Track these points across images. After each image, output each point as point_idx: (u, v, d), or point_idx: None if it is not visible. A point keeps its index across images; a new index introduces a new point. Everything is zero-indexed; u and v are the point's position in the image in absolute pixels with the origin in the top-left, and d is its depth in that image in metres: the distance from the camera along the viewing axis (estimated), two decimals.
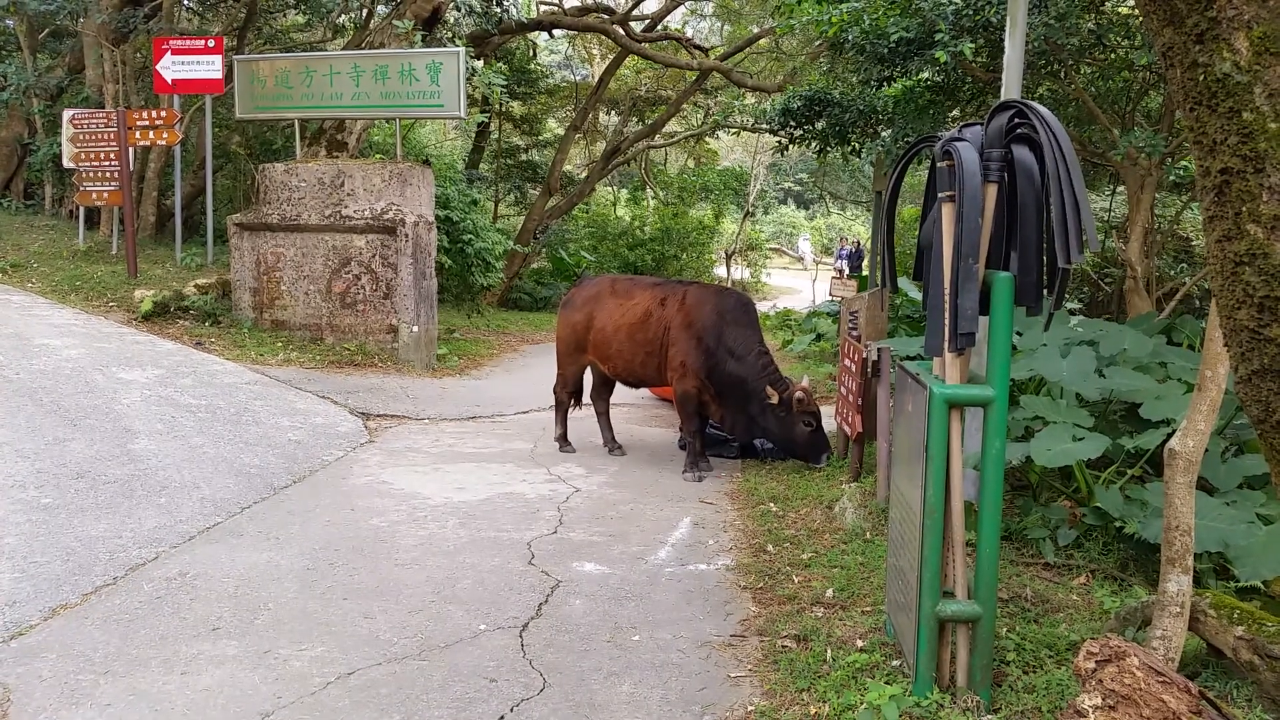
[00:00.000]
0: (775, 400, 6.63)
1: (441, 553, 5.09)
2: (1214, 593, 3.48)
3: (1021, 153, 3.22)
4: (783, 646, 3.89)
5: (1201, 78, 1.24)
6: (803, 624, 4.07)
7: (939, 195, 3.26)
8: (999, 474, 3.19)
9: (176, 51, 12.77)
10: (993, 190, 3.22)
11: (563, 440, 7.63)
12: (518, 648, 3.94)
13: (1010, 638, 3.75)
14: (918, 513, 3.27)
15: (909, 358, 7.38)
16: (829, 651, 3.77)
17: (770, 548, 5.21)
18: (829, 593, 4.45)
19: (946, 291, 3.17)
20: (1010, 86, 4.94)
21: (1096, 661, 2.95)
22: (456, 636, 4.04)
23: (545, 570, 4.85)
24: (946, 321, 3.18)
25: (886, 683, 3.42)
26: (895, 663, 3.62)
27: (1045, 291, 3.31)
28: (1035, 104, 3.15)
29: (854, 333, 6.68)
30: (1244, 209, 1.25)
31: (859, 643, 3.82)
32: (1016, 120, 3.22)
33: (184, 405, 7.71)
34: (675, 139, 26.36)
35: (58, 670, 3.63)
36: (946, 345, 3.20)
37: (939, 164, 3.26)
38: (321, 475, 6.59)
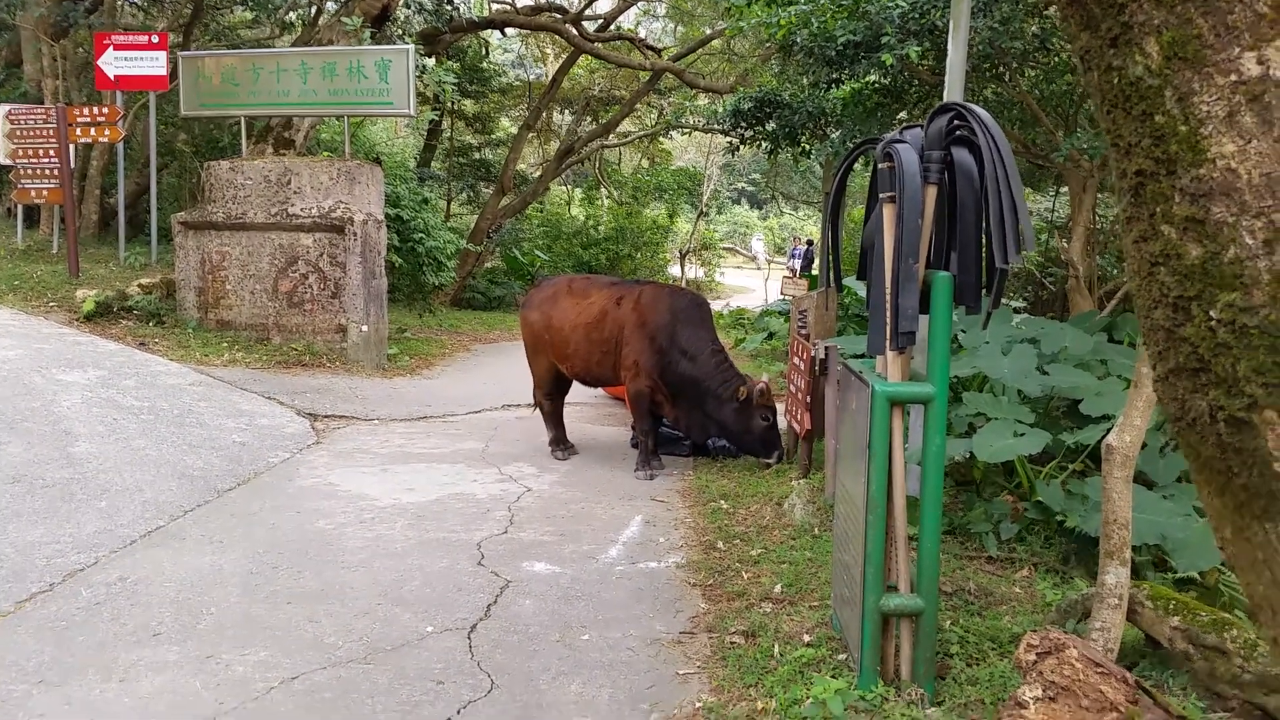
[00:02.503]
0: (744, 396, 6.66)
1: (389, 555, 5.05)
2: (1151, 584, 3.57)
3: (961, 155, 3.28)
4: (731, 642, 3.92)
5: (1116, 81, 1.27)
6: (751, 620, 4.10)
7: (880, 196, 3.31)
8: (939, 470, 3.25)
9: (119, 47, 12.51)
10: (932, 191, 3.27)
11: (555, 445, 7.44)
12: (465, 649, 3.92)
13: (954, 630, 3.81)
14: (861, 508, 3.31)
15: (855, 356, 7.48)
16: (776, 646, 3.80)
17: (720, 544, 5.24)
18: (777, 588, 4.48)
19: (888, 291, 3.22)
20: (953, 89, 5.03)
21: (1037, 654, 3.01)
22: (403, 639, 4.00)
23: (495, 571, 4.83)
24: (888, 320, 3.23)
25: (832, 676, 3.46)
26: (841, 656, 3.66)
27: (984, 291, 3.38)
28: (974, 107, 3.21)
29: (803, 331, 6.73)
30: (1158, 210, 1.28)
31: (806, 637, 3.86)
32: (956, 123, 3.28)
33: (126, 407, 7.55)
34: (629, 139, 26.39)
35: None
36: (888, 344, 3.25)
37: (880, 165, 3.30)
38: (267, 477, 6.49)
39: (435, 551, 5.11)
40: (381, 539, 5.31)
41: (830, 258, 3.94)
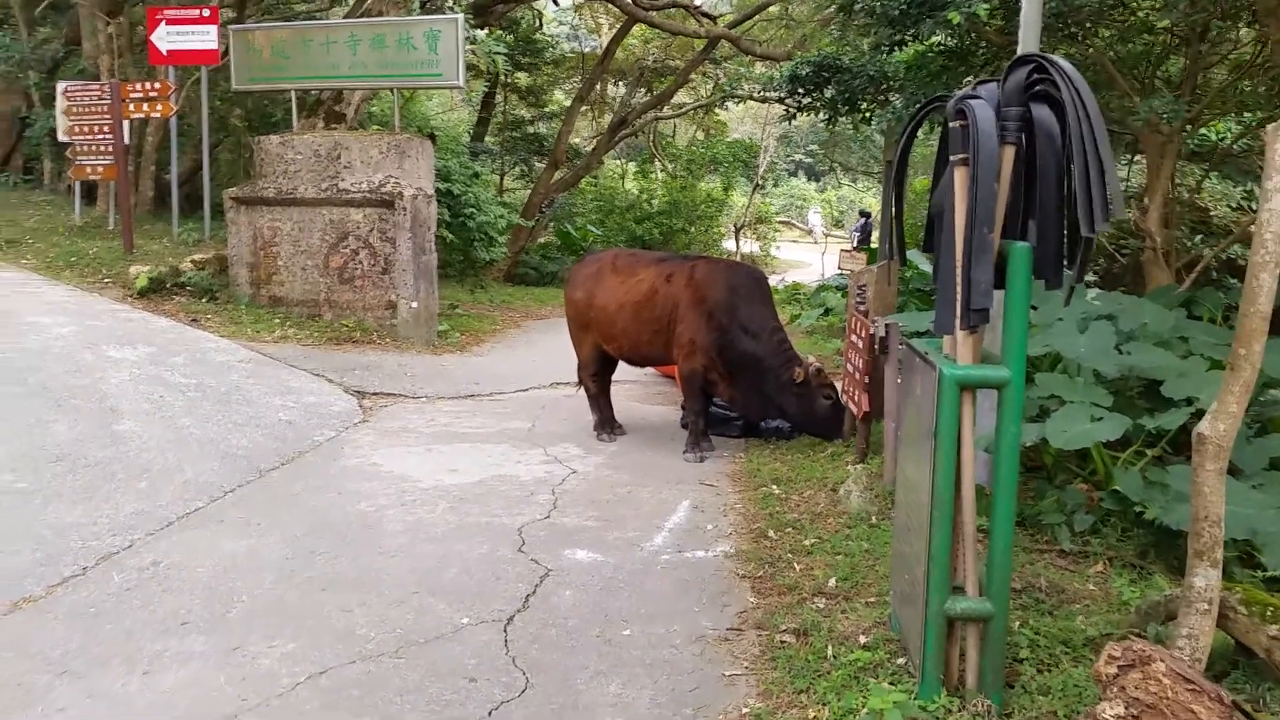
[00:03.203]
0: (801, 379, 6.38)
1: (428, 539, 4.88)
2: (1245, 587, 3.23)
3: (1041, 112, 2.95)
4: (781, 642, 3.67)
5: None
6: (803, 617, 3.84)
7: (951, 159, 2.99)
8: (1014, 461, 2.94)
9: (171, 22, 12.48)
10: (1010, 152, 2.95)
11: (601, 428, 7.18)
12: (501, 644, 3.72)
13: (1023, 633, 3.51)
14: (926, 502, 3.03)
15: (918, 334, 7.12)
16: (830, 648, 3.54)
17: (771, 533, 4.98)
18: (831, 582, 4.22)
19: (959, 264, 2.91)
20: (1027, 47, 4.64)
21: (1119, 666, 2.72)
22: (437, 632, 3.83)
23: (535, 558, 4.64)
24: (959, 296, 2.92)
25: (890, 684, 3.20)
26: (900, 661, 3.39)
27: (1065, 263, 3.05)
28: (1057, 58, 2.88)
29: (861, 307, 6.40)
30: None
31: (862, 638, 3.59)
32: (1036, 76, 2.95)
33: (173, 384, 7.51)
34: (683, 110, 25.92)
35: (12, 670, 3.44)
36: (958, 322, 2.94)
37: (951, 124, 2.99)
38: (311, 457, 6.39)
39: (476, 537, 4.93)
40: (422, 523, 5.15)
41: (893, 228, 3.62)
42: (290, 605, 4.09)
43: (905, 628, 3.38)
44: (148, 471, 5.73)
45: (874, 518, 5.02)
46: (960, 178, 2.96)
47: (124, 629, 3.81)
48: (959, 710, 2.99)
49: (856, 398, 5.98)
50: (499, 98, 22.18)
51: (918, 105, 8.62)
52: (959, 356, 3.01)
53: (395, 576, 4.40)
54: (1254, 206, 12.03)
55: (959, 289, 2.92)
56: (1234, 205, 12.29)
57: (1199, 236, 11.58)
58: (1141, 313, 5.43)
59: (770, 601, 4.09)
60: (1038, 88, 2.97)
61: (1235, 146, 10.07)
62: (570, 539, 4.94)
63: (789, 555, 4.62)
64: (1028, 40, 4.66)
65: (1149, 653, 2.68)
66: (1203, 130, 8.97)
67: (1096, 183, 2.73)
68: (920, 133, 10.95)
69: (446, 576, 4.40)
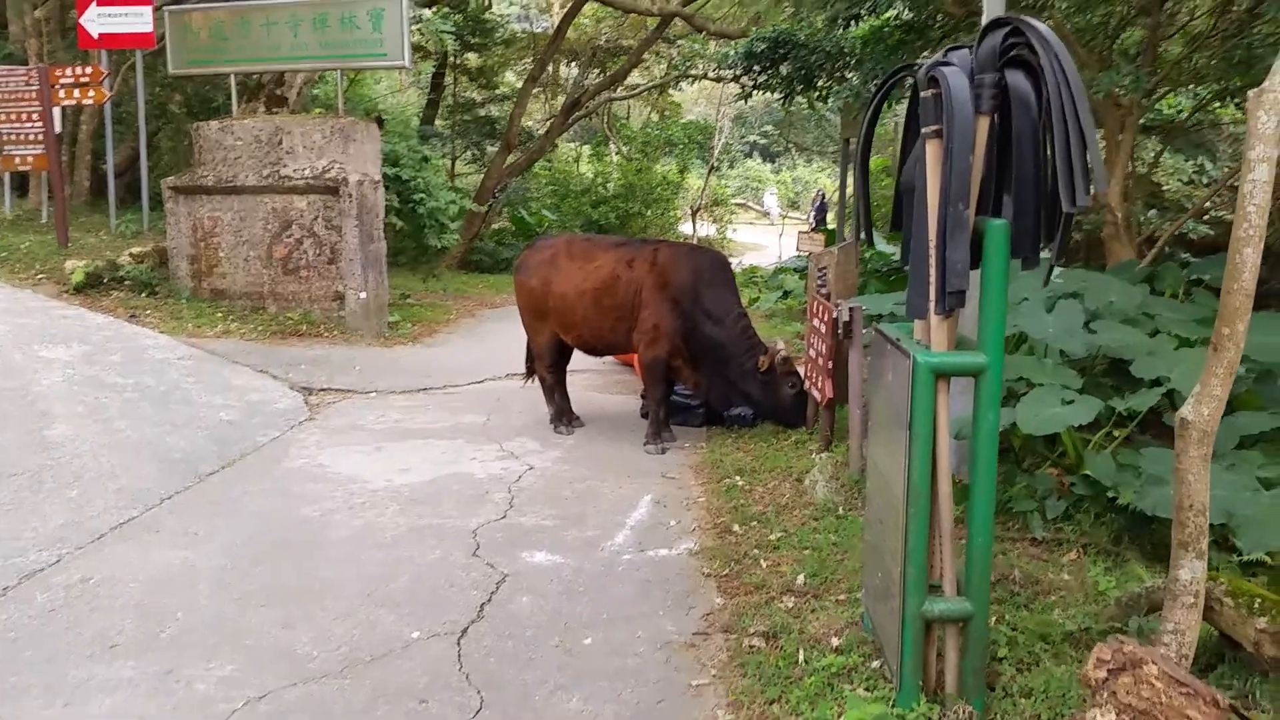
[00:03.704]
0: (766, 367, 6.20)
1: (377, 545, 4.63)
2: (1230, 577, 3.10)
3: (1016, 79, 2.77)
4: (751, 646, 3.49)
5: None
6: (772, 618, 3.66)
7: (923, 130, 2.80)
8: (992, 452, 2.78)
9: (102, 3, 11.91)
10: (985, 123, 2.77)
11: (558, 420, 6.93)
12: (454, 659, 3.50)
13: (1001, 629, 3.37)
14: (900, 496, 2.85)
15: (880, 317, 6.97)
16: (801, 652, 3.36)
17: (737, 527, 4.79)
18: (800, 579, 4.04)
19: (933, 243, 2.72)
20: (992, 9, 4.46)
21: (1108, 670, 2.57)
22: (386, 647, 3.59)
23: (490, 562, 4.41)
24: (933, 278, 2.73)
25: (866, 690, 3.03)
26: (875, 664, 3.22)
27: (1043, 240, 2.88)
28: (1034, 21, 2.68)
29: (823, 290, 6.23)
30: None
31: (835, 640, 3.42)
32: (1011, 40, 2.76)
33: (109, 385, 7.14)
34: (637, 91, 25.59)
35: None
36: (933, 306, 2.76)
37: (923, 93, 2.79)
38: (253, 459, 6.09)
39: (427, 541, 4.69)
40: (370, 527, 4.89)
41: (860, 208, 3.43)
42: (228, 622, 3.83)
43: (880, 628, 3.21)
44: (80, 479, 5.41)
45: (841, 508, 4.86)
46: (933, 151, 2.78)
47: (46, 654, 3.53)
48: (940, 718, 2.82)
49: (820, 384, 5.81)
50: (448, 79, 21.69)
51: (879, 79, 8.43)
52: (933, 342, 2.83)
53: (341, 587, 4.15)
54: (1206, 180, 12.09)
55: (933, 270, 2.73)
56: (1185, 179, 12.34)
57: (1152, 210, 11.60)
58: (1108, 290, 5.31)
59: (737, 602, 3.91)
60: (1012, 53, 2.79)
61: (1186, 120, 10.06)
62: (528, 540, 4.71)
63: (755, 551, 4.44)
64: (993, 8, 4.49)
65: (1139, 655, 2.53)
66: (1156, 104, 8.91)
67: (1078, 154, 2.55)
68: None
69: (396, 585, 4.16)
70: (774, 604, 3.82)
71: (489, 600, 4.00)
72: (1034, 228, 2.81)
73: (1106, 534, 4.21)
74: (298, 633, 3.72)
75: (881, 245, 13.58)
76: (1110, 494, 4.18)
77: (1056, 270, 6.48)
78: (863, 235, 3.35)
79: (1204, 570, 2.84)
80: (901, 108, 3.17)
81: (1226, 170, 11.47)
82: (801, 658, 3.33)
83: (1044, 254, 2.95)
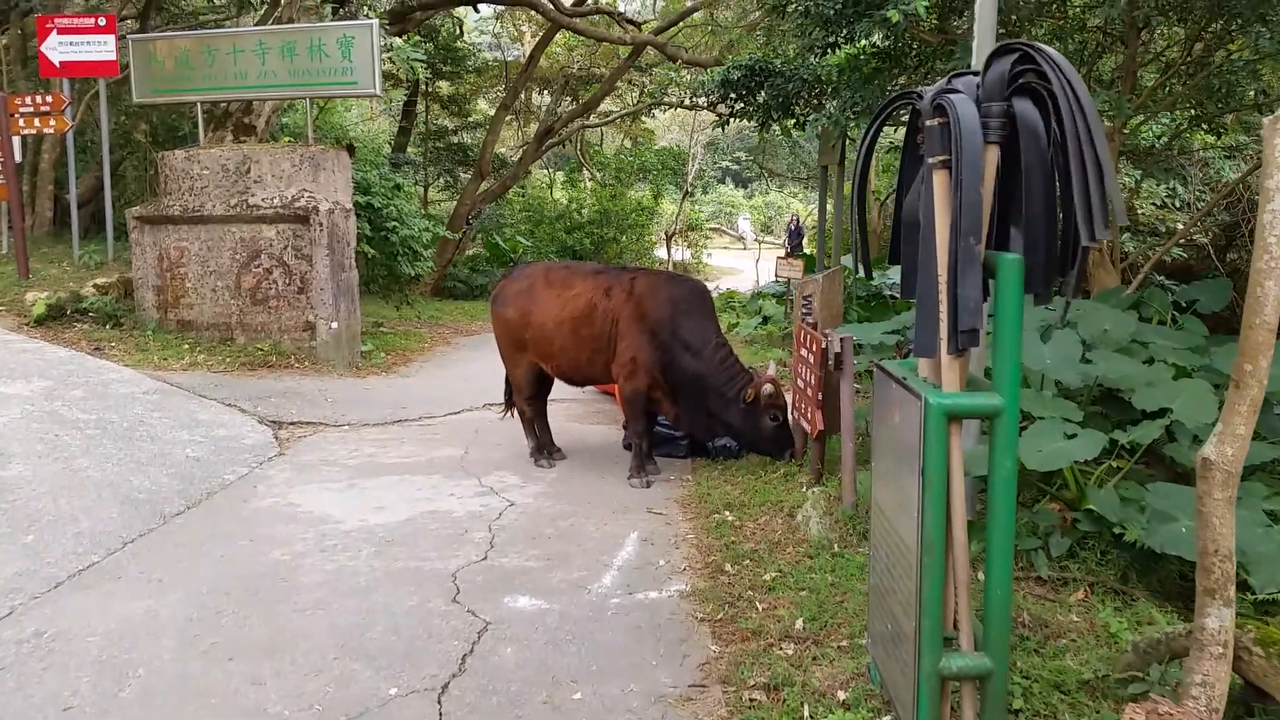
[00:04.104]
0: (750, 400, 6.03)
1: (351, 592, 4.40)
2: (1258, 624, 2.96)
3: (1024, 107, 2.65)
4: (751, 700, 3.30)
5: None
6: (772, 668, 3.48)
7: (930, 160, 2.67)
8: (1011, 499, 2.63)
9: (64, 31, 11.69)
10: (994, 153, 2.64)
11: (539, 453, 6.74)
12: (435, 717, 3.28)
13: (1014, 678, 3.21)
14: (913, 548, 2.69)
15: (871, 346, 6.85)
16: (806, 707, 3.18)
17: (729, 567, 4.61)
18: (799, 624, 3.87)
19: (943, 279, 2.58)
20: (982, 43, 4.37)
21: None
22: (362, 706, 3.37)
23: (471, 609, 4.19)
24: (944, 315, 2.59)
25: None
26: (886, 719, 3.05)
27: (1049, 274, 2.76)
28: (1045, 47, 2.57)
29: (808, 319, 6.10)
30: None
31: (840, 694, 3.24)
32: (1020, 68, 2.64)
33: (70, 421, 6.86)
34: (610, 118, 25.61)
35: None
36: (944, 345, 2.61)
37: (929, 122, 2.66)
38: (220, 498, 5.84)
39: (404, 586, 4.47)
40: (344, 571, 4.66)
41: (858, 239, 3.29)
42: (193, 679, 3.59)
43: (889, 682, 3.04)
44: (36, 523, 5.14)
45: (836, 545, 4.70)
46: (940, 182, 2.64)
47: None
48: None
49: (809, 415, 5.66)
50: (420, 107, 21.55)
51: (857, 106, 8.31)
52: (944, 382, 2.68)
53: (313, 638, 3.92)
54: (1178, 204, 12.17)
55: (944, 308, 2.59)
56: (1158, 204, 12.41)
57: (1125, 234, 11.64)
58: (1101, 319, 5.22)
59: (734, 650, 3.72)
60: (1019, 80, 2.67)
61: (1161, 146, 10.10)
62: (510, 584, 4.50)
63: (749, 593, 4.26)
64: (984, 33, 4.39)
65: (1174, 714, 2.38)
66: (1128, 131, 8.92)
67: (1095, 185, 2.43)
68: (851, 132, 10.78)
69: (371, 636, 3.94)
70: (773, 651, 3.64)
71: (470, 651, 3.79)
72: (1045, 263, 2.69)
73: (1113, 572, 4.08)
74: (267, 690, 3.49)
75: (850, 263, 13.53)
76: (1116, 530, 4.05)
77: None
78: (860, 270, 3.20)
79: (1232, 618, 2.71)
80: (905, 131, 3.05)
81: (1196, 194, 11.55)
82: (806, 713, 3.15)
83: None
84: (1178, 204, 12.24)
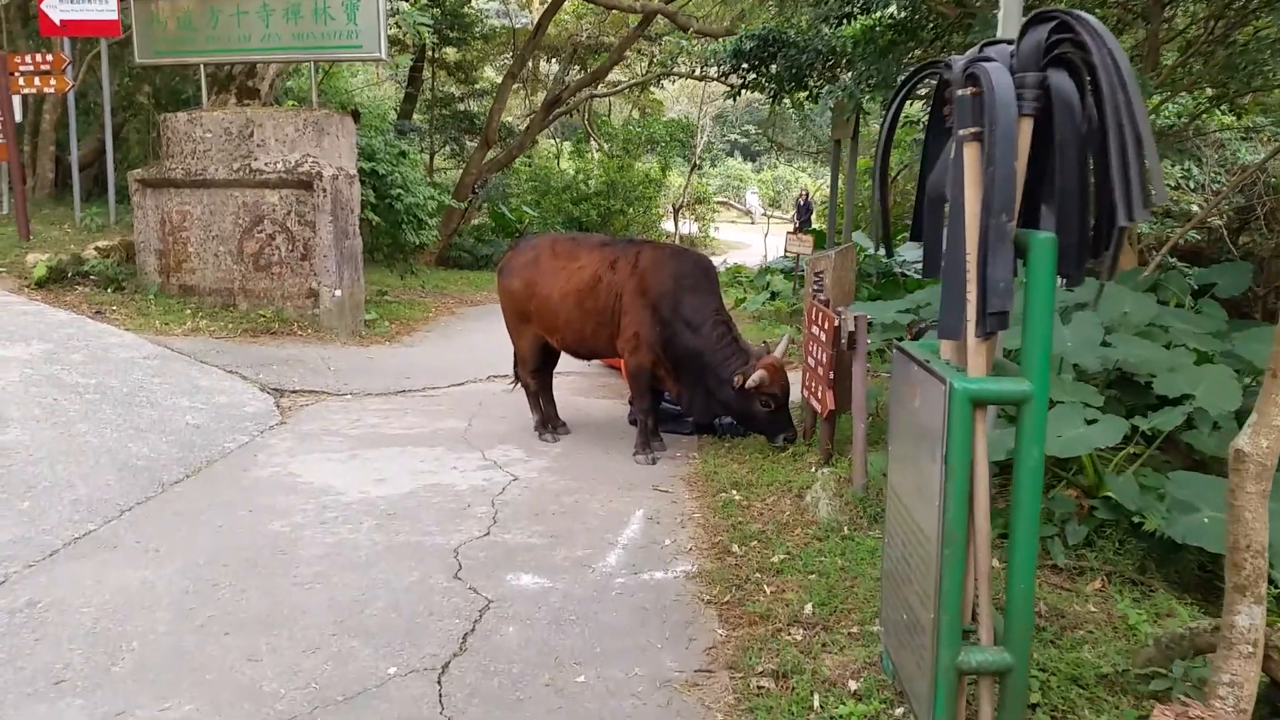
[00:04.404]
0: (740, 386, 5.89)
1: (351, 565, 4.33)
2: None
3: (1059, 79, 2.51)
4: (759, 687, 3.22)
5: None
6: (781, 654, 3.40)
7: (958, 133, 2.54)
8: (1036, 489, 2.52)
9: None
10: (1028, 126, 2.51)
11: (543, 427, 6.65)
12: (434, 699, 3.21)
13: (1031, 672, 3.11)
14: (931, 536, 2.59)
15: (877, 324, 6.72)
16: (816, 696, 3.10)
17: (736, 548, 4.53)
18: (808, 608, 3.78)
19: (972, 258, 2.47)
20: (1009, 6, 4.22)
21: None
22: (360, 685, 3.29)
23: (473, 586, 4.11)
24: (973, 297, 2.48)
25: None
26: (898, 711, 2.97)
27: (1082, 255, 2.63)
28: (1085, 15, 2.43)
29: (820, 296, 5.97)
30: None
31: (852, 684, 3.16)
32: (1056, 37, 2.51)
33: (70, 385, 6.77)
34: (619, 88, 25.34)
35: None
36: (972, 328, 2.50)
37: (960, 92, 2.53)
38: (220, 466, 5.76)
39: (405, 561, 4.39)
40: (344, 545, 4.59)
41: (880, 214, 3.17)
42: (188, 653, 3.52)
43: (903, 674, 2.95)
44: (33, 489, 5.06)
45: (845, 528, 4.61)
46: (971, 156, 2.52)
47: None
48: None
49: (820, 394, 5.56)
50: (426, 73, 21.30)
51: (868, 84, 8.14)
52: (970, 366, 2.57)
53: (311, 613, 3.84)
54: (1193, 185, 11.98)
55: (973, 289, 2.48)
56: (1173, 185, 12.23)
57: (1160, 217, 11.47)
58: (1121, 301, 5.10)
59: (741, 634, 3.64)
60: (1055, 51, 2.54)
61: (1178, 126, 9.91)
62: (513, 560, 4.42)
63: (757, 575, 4.18)
64: (1009, 4, 4.24)
65: (1205, 718, 2.29)
66: (1158, 110, 8.75)
67: (1135, 162, 2.30)
68: (866, 105, 10.58)
69: (371, 612, 3.87)
70: (781, 637, 3.56)
71: (472, 630, 3.72)
72: (1079, 242, 2.57)
73: (1131, 561, 3.98)
74: (263, 667, 3.42)
75: (865, 243, 13.37)
76: (1135, 518, 3.95)
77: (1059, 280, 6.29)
78: (882, 248, 3.11)
79: (1263, 616, 2.61)
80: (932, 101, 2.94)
81: (1212, 176, 11.37)
82: (816, 702, 3.07)
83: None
84: (1192, 185, 12.06)
